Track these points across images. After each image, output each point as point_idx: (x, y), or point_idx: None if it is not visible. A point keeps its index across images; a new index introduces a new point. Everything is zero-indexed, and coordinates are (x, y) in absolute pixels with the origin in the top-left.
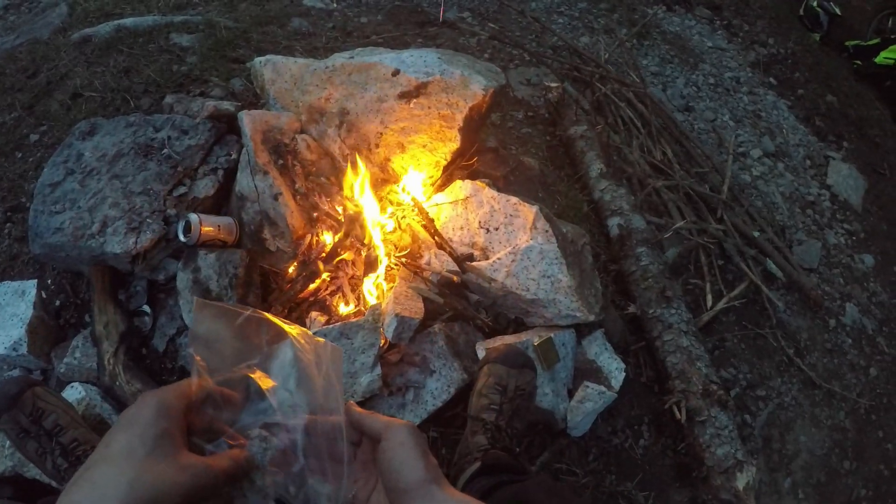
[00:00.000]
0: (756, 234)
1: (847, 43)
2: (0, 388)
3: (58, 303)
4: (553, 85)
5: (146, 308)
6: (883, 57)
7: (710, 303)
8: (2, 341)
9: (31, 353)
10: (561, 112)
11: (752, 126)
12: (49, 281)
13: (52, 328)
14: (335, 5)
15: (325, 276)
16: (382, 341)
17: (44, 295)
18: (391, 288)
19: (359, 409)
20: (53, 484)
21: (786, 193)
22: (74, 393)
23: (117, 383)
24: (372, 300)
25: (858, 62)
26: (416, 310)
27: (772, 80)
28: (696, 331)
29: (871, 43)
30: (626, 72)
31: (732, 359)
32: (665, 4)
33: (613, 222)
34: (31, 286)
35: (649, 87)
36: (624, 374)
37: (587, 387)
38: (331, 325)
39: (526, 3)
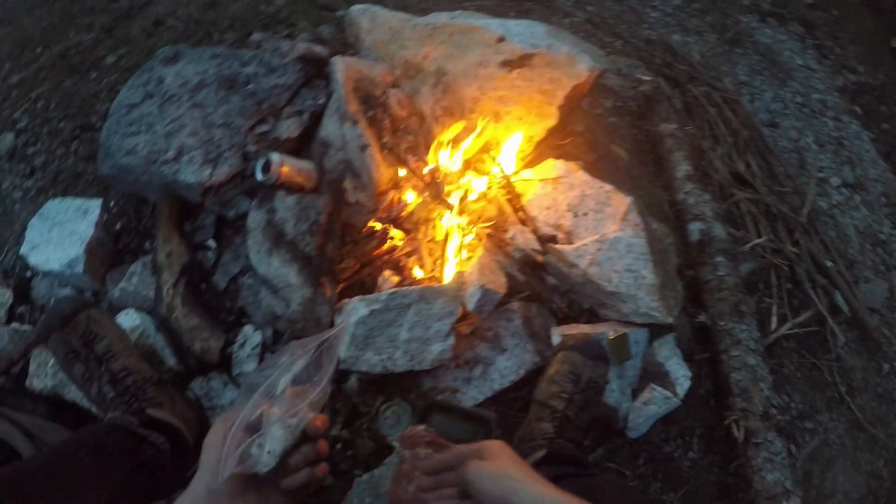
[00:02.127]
0: (829, 263)
1: None
2: (54, 306)
3: (118, 226)
4: (646, 78)
5: (211, 243)
6: None
7: (774, 325)
8: (58, 258)
9: (87, 273)
10: (652, 107)
11: (833, 153)
12: (112, 203)
13: (109, 251)
14: None
15: (402, 236)
16: (461, 311)
17: (105, 217)
18: (470, 257)
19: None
20: (93, 409)
21: (859, 227)
22: (129, 320)
23: (174, 315)
24: (451, 267)
25: None
26: (499, 283)
27: (857, 108)
28: (763, 351)
29: None
30: (719, 77)
31: (787, 385)
32: (759, 14)
33: (695, 227)
34: (94, 205)
35: (740, 97)
36: (690, 382)
37: (654, 390)
38: (411, 287)
39: None
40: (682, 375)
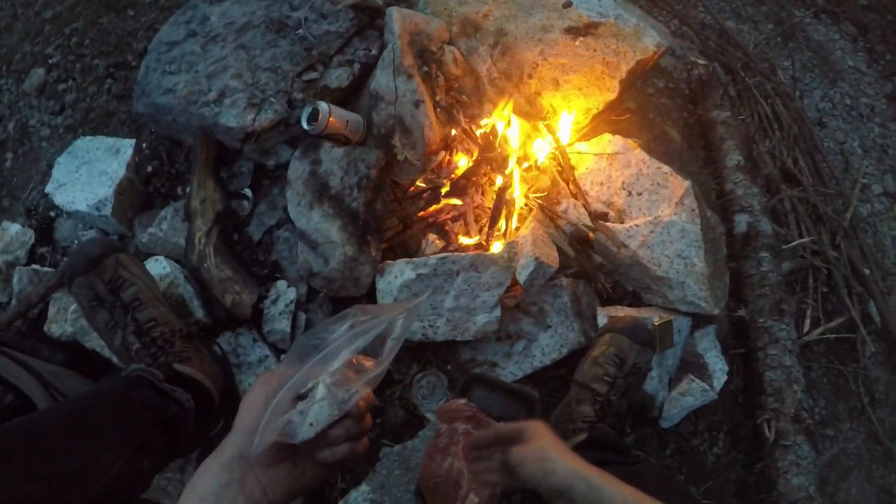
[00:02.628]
0: (866, 272)
1: None
2: (81, 247)
3: (150, 169)
4: (701, 62)
5: (248, 192)
6: None
7: (807, 327)
8: (85, 198)
9: (115, 215)
10: (705, 92)
11: (877, 160)
12: (144, 144)
13: (139, 194)
14: None
15: (452, 200)
16: (510, 283)
17: (136, 158)
18: (518, 228)
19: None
20: (114, 360)
21: None
22: (158, 267)
23: (205, 265)
24: (498, 236)
25: None
26: (552, 257)
27: None
28: (799, 352)
29: None
30: (773, 69)
31: (813, 390)
32: (813, 10)
33: (742, 219)
34: (127, 145)
35: (791, 92)
36: (726, 377)
37: (693, 381)
38: (462, 254)
39: None
40: (719, 369)
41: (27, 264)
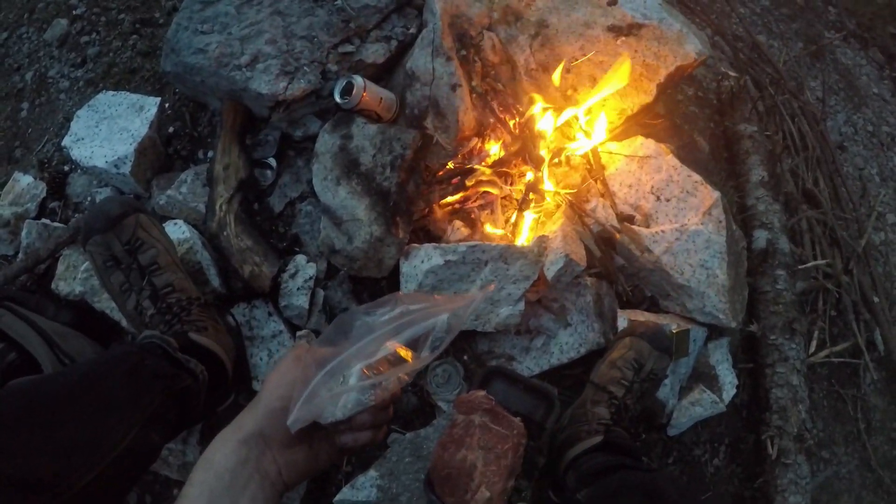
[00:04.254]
0: (875, 299)
1: None
2: (100, 205)
3: (171, 130)
4: (732, 74)
5: (272, 161)
6: None
7: (812, 349)
8: (104, 154)
9: (133, 175)
10: (735, 104)
11: (894, 190)
12: (167, 104)
13: (160, 154)
14: None
15: (482, 187)
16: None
17: (159, 118)
18: (545, 223)
19: None
20: (123, 323)
21: None
22: (178, 231)
23: (224, 233)
24: (525, 229)
25: None
26: (580, 255)
27: None
28: (806, 372)
29: None
30: (802, 87)
31: (813, 412)
32: (843, 33)
33: (761, 235)
34: (152, 103)
35: (817, 112)
36: (735, 390)
37: (703, 392)
38: (492, 244)
39: None
40: (729, 382)
41: (37, 218)
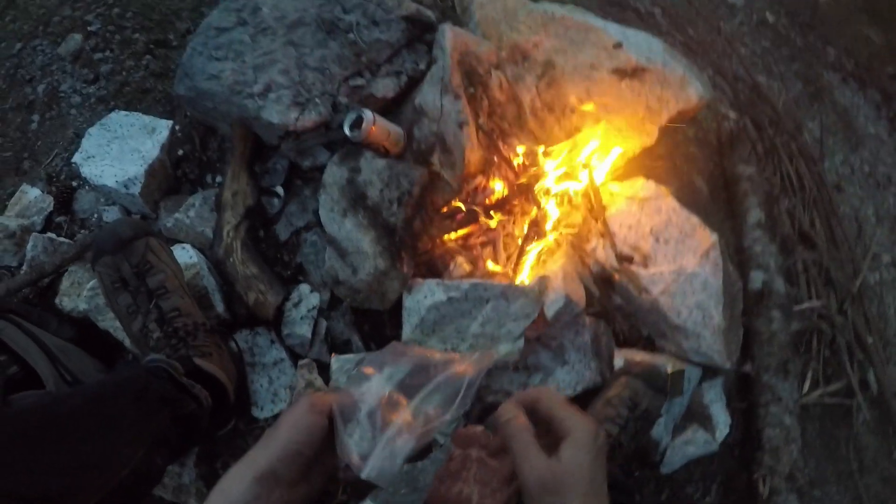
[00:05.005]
0: (870, 339)
1: None
2: (112, 226)
3: (181, 152)
4: (732, 115)
5: (279, 190)
6: None
7: (806, 388)
8: (114, 174)
9: (142, 196)
10: (734, 146)
11: (889, 230)
12: (177, 127)
13: (168, 176)
14: None
15: (483, 223)
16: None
17: (170, 140)
18: (546, 261)
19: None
20: (126, 343)
21: None
22: (185, 256)
23: (231, 259)
24: (526, 267)
25: None
26: (580, 295)
27: None
28: (799, 412)
29: None
30: (800, 128)
31: (805, 451)
32: (841, 73)
33: (757, 276)
34: (164, 126)
35: (814, 153)
36: (728, 430)
37: (697, 431)
38: (495, 282)
39: (718, 20)
40: (722, 421)
41: (43, 231)
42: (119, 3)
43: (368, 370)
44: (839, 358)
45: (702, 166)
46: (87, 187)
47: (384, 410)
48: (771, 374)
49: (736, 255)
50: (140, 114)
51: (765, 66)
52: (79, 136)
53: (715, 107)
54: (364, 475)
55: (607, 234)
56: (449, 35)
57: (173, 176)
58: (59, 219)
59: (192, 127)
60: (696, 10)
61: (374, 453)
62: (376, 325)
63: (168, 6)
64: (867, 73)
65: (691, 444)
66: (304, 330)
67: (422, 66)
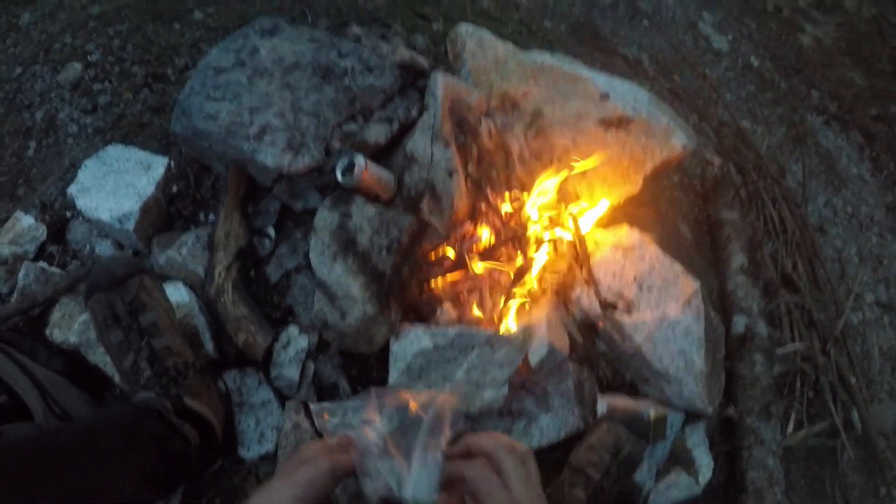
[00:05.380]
0: (853, 380)
1: None
2: (107, 263)
3: (175, 189)
4: (716, 161)
5: (271, 231)
6: None
7: (790, 429)
8: (109, 208)
9: (136, 231)
10: (718, 191)
11: (872, 269)
12: (173, 163)
13: (162, 213)
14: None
15: (474, 269)
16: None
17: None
18: (531, 308)
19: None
20: (116, 378)
21: (883, 348)
22: (177, 294)
23: (222, 300)
24: (512, 314)
25: None
26: (563, 343)
27: None
28: (783, 453)
29: None
30: (783, 172)
31: (790, 492)
32: (825, 115)
33: (740, 320)
34: (160, 163)
35: (797, 197)
36: (711, 473)
37: (680, 474)
38: (480, 330)
39: (703, 67)
40: (705, 465)
41: (35, 260)
42: (119, 34)
43: (367, 413)
44: (823, 398)
45: (686, 212)
46: (80, 218)
47: (392, 445)
48: (754, 417)
49: (719, 300)
50: (136, 148)
51: (749, 110)
52: (75, 166)
53: (700, 153)
54: (409, 497)
55: (592, 281)
56: (441, 83)
57: (167, 212)
58: (52, 248)
59: (187, 164)
60: (683, 56)
61: (407, 477)
62: (364, 369)
63: (167, 40)
64: (850, 114)
65: (674, 488)
66: (292, 372)
67: (414, 113)
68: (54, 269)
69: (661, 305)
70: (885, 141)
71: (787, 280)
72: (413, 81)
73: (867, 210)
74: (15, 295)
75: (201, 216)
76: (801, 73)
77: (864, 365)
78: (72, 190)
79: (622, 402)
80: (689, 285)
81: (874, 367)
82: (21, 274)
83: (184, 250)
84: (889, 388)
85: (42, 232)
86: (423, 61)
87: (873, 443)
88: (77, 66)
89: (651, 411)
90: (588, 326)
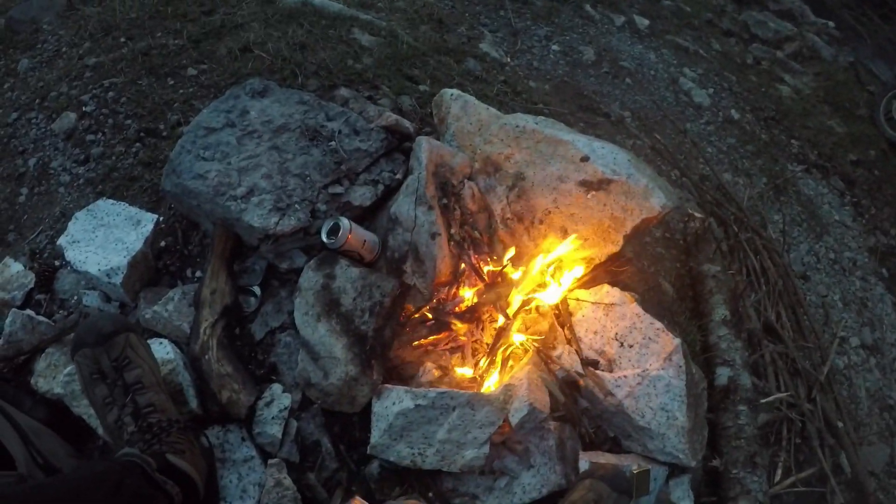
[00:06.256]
0: (839, 424)
1: None
2: (95, 320)
3: (163, 244)
4: (697, 215)
5: (256, 290)
6: None
7: (778, 477)
8: (97, 261)
9: (123, 286)
10: (699, 245)
11: (857, 313)
12: (162, 219)
13: (150, 268)
14: (509, 60)
15: (454, 332)
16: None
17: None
18: (513, 367)
19: None
20: (99, 431)
21: (870, 390)
22: (162, 351)
23: (206, 357)
24: (495, 374)
25: None
26: (544, 402)
27: (885, 271)
28: (770, 502)
29: None
30: (764, 223)
31: None
32: (805, 164)
33: (723, 372)
34: (149, 219)
35: (779, 246)
36: None
37: None
38: (461, 391)
39: (685, 122)
40: None
41: (22, 307)
42: (115, 87)
43: None
44: (811, 445)
45: (669, 267)
46: (69, 268)
47: None
48: (739, 468)
49: (702, 353)
50: (126, 204)
51: (731, 162)
52: (65, 216)
53: (681, 208)
54: None
55: (574, 339)
56: (425, 147)
57: (154, 267)
58: (39, 296)
59: (175, 220)
60: (664, 112)
61: None
62: (346, 428)
63: (161, 95)
64: (830, 161)
65: None
66: (275, 430)
67: (398, 176)
68: (41, 318)
69: (642, 362)
70: (865, 185)
71: (770, 330)
72: (398, 144)
73: (850, 255)
74: (0, 341)
75: (188, 272)
76: (781, 123)
77: (852, 408)
78: (62, 241)
79: (604, 458)
80: (669, 342)
81: (862, 410)
82: (8, 320)
83: (170, 306)
84: (878, 430)
85: (31, 279)
86: (408, 125)
87: (863, 485)
88: (72, 116)
89: (634, 467)
90: (570, 384)
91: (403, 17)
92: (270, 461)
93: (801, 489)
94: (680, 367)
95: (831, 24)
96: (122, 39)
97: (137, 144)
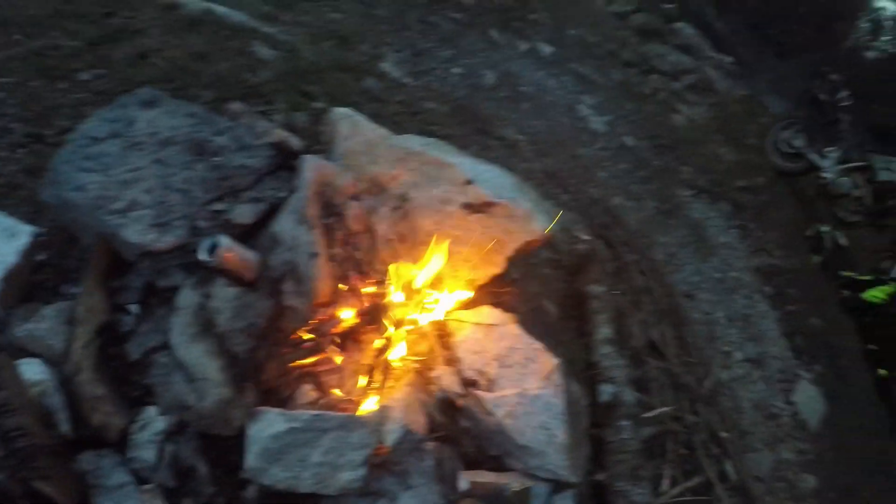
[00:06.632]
0: (724, 434)
1: (843, 272)
2: None
3: (41, 257)
4: (585, 237)
5: (134, 308)
6: (870, 294)
7: (665, 487)
8: None
9: None
10: (585, 267)
11: (740, 329)
12: (42, 231)
13: (25, 283)
14: (409, 80)
15: (331, 352)
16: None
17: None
18: (392, 388)
19: None
20: None
21: (754, 400)
22: (32, 372)
23: (79, 378)
24: (372, 395)
25: (847, 292)
26: (420, 424)
27: (769, 289)
28: None
29: (863, 278)
30: (651, 245)
31: None
32: (695, 189)
33: (606, 389)
34: (25, 232)
35: (665, 267)
36: None
37: None
38: (335, 413)
39: (580, 148)
40: None
41: None
42: (4, 87)
43: None
44: (696, 455)
45: (554, 288)
46: None
47: None
48: (623, 481)
49: (586, 371)
50: (3, 214)
51: (622, 187)
52: None
53: (568, 230)
54: None
55: (454, 360)
56: (310, 167)
57: (29, 282)
58: None
59: (54, 231)
60: (559, 137)
61: None
62: (224, 451)
63: (51, 99)
64: (719, 187)
65: None
66: (150, 454)
67: (283, 194)
68: None
69: (522, 382)
70: (752, 209)
71: (654, 347)
72: (285, 162)
73: (735, 274)
74: None
75: (64, 288)
76: (675, 150)
77: (736, 418)
78: None
79: (485, 477)
80: (548, 362)
81: (747, 419)
82: None
83: (44, 324)
84: (762, 437)
85: None
86: (296, 142)
87: (748, 489)
88: None
89: (514, 485)
90: (449, 404)
91: (307, 33)
92: (144, 487)
93: (689, 498)
94: (559, 385)
95: (729, 58)
96: (18, 37)
97: (22, 150)
